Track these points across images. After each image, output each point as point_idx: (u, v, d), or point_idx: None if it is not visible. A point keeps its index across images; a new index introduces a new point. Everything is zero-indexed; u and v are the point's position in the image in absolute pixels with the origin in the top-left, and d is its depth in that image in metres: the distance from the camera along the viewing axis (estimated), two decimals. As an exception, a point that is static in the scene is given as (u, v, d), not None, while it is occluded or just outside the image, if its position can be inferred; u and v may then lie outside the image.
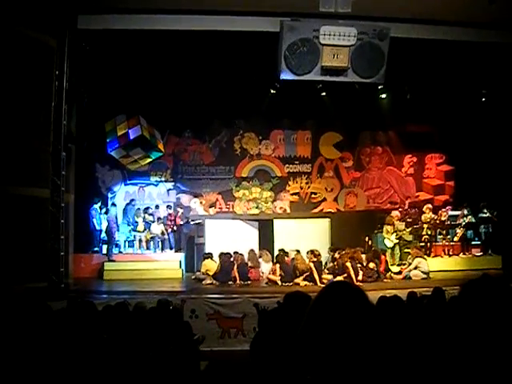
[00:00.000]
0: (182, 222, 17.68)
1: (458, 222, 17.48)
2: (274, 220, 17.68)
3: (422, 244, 16.76)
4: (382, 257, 15.60)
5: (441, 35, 13.93)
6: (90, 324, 5.77)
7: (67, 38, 13.19)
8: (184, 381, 4.74)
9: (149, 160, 17.02)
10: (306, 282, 13.96)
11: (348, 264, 14.22)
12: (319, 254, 14.49)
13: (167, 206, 18.55)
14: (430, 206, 18.01)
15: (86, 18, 13.34)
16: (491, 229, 17.14)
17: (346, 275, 14.02)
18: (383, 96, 17.90)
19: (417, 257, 15.15)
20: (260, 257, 15.60)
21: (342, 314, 2.00)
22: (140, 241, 17.29)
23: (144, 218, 17.54)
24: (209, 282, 14.46)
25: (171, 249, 17.41)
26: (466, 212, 17.31)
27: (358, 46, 12.74)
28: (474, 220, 17.22)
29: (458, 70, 15.69)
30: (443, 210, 18.12)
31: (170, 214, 18.03)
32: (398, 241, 16.67)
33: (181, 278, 16.09)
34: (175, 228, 17.47)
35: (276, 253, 15.52)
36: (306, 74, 12.98)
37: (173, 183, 19.86)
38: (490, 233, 17.17)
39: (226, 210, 19.61)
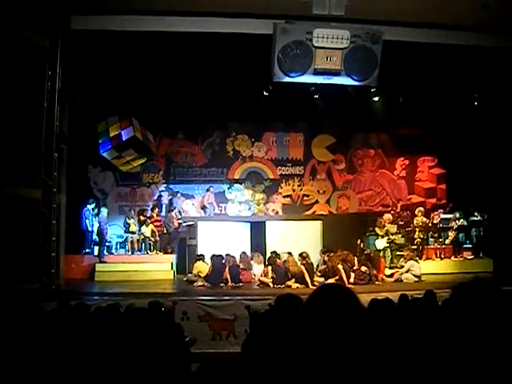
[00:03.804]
0: (179, 224, 17.67)
1: (449, 225, 17.51)
2: (266, 222, 17.63)
3: (414, 247, 16.75)
4: (382, 260, 15.65)
5: (434, 39, 13.99)
6: (81, 325, 5.75)
7: (60, 38, 13.18)
8: (175, 383, 4.73)
9: (141, 161, 16.98)
10: (297, 285, 13.96)
11: (340, 266, 14.24)
12: (307, 256, 14.48)
13: (158, 208, 18.51)
14: (421, 208, 18.05)
15: (79, 19, 13.35)
16: (482, 232, 17.18)
17: (337, 278, 14.03)
18: (376, 99, 17.98)
19: (409, 259, 15.15)
20: (251, 259, 15.57)
21: (333, 317, 2.00)
22: (132, 242, 17.24)
23: (139, 219, 17.48)
24: (200, 283, 14.42)
25: (164, 252, 17.33)
26: (457, 215, 17.34)
27: (351, 48, 12.78)
28: (465, 223, 17.26)
29: (451, 74, 15.76)
30: (435, 212, 18.15)
31: (160, 216, 18.03)
32: (388, 244, 16.69)
33: (172, 279, 16.04)
34: (171, 230, 17.42)
35: (268, 255, 15.51)
36: (299, 77, 13.01)
37: (165, 185, 19.84)
38: (482, 236, 17.21)
39: (218, 211, 19.59)
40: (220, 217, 19.11)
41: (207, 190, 19.37)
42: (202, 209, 19.08)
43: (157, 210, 18.18)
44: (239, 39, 13.49)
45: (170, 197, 19.28)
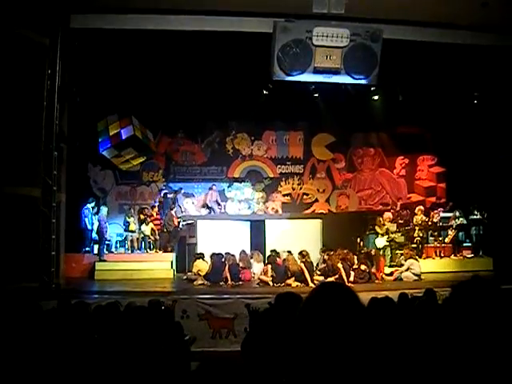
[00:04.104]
0: (179, 223, 17.68)
1: (449, 224, 17.50)
2: (266, 221, 17.65)
3: (414, 245, 16.76)
4: (381, 258, 15.67)
5: (433, 37, 13.99)
6: (81, 324, 5.75)
7: (60, 36, 13.17)
8: (175, 381, 4.73)
9: (141, 160, 16.98)
10: (297, 283, 13.96)
11: (339, 265, 14.23)
12: (307, 255, 14.47)
13: (158, 206, 18.52)
14: (421, 207, 18.06)
15: (79, 17, 13.34)
16: (482, 231, 17.18)
17: (337, 276, 14.03)
18: (375, 97, 17.96)
19: (409, 258, 15.16)
20: (251, 257, 15.57)
21: (333, 315, 2.00)
22: (131, 241, 17.24)
23: (139, 217, 17.48)
24: (200, 282, 14.43)
25: (164, 250, 17.32)
26: (457, 214, 17.34)
27: (350, 47, 12.76)
28: (465, 222, 17.25)
29: (451, 73, 15.74)
30: (435, 211, 18.15)
31: (160, 214, 18.05)
32: (388, 242, 16.70)
33: (172, 278, 16.04)
34: (171, 229, 17.42)
35: (268, 253, 15.51)
36: (298, 75, 13.00)
37: (165, 183, 19.83)
38: (481, 235, 17.21)
39: (218, 210, 19.58)
40: (220, 215, 19.09)
41: (210, 189, 19.38)
42: (207, 208, 19.05)
43: (156, 208, 18.23)
44: (239, 38, 13.48)
45: (171, 195, 19.22)
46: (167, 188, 19.70)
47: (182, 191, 19.43)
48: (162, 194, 19.22)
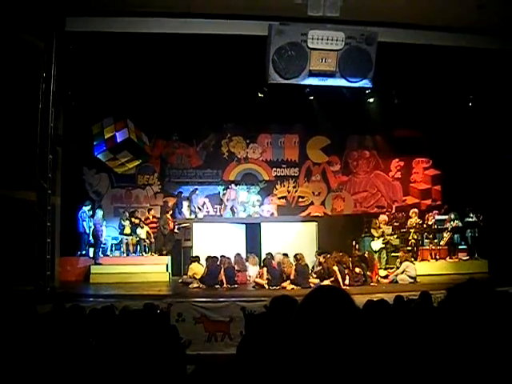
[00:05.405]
0: (174, 226, 17.70)
1: (444, 226, 17.51)
2: (262, 224, 17.65)
3: (409, 248, 16.77)
4: (375, 261, 15.66)
5: (429, 40, 14.00)
6: (76, 328, 5.73)
7: (55, 40, 13.13)
8: (170, 385, 4.73)
9: (136, 163, 16.97)
10: (292, 286, 13.96)
11: (335, 268, 14.24)
12: (301, 258, 14.49)
13: (174, 206, 18.61)
14: (416, 210, 18.07)
15: (74, 21, 13.30)
16: (477, 233, 17.20)
17: (333, 279, 14.04)
18: (371, 100, 17.96)
19: (405, 261, 15.15)
20: (247, 260, 15.58)
21: (328, 318, 2.00)
22: (127, 244, 17.21)
23: (131, 221, 17.45)
24: (196, 285, 14.42)
25: (159, 254, 17.31)
26: (452, 216, 17.35)
27: (345, 50, 12.79)
28: (460, 224, 17.27)
29: (446, 75, 15.78)
30: (430, 214, 18.17)
31: (156, 218, 18.04)
32: (383, 245, 16.71)
33: (168, 281, 16.04)
34: (166, 232, 17.42)
35: (263, 256, 15.51)
36: (293, 78, 13.01)
37: (160, 186, 19.82)
38: (476, 237, 17.23)
39: (214, 213, 19.59)
40: (215, 218, 19.09)
41: (227, 188, 19.48)
42: (224, 206, 19.19)
43: (153, 211, 18.27)
44: (234, 41, 13.47)
45: (179, 199, 19.20)
46: (163, 189, 19.72)
47: (197, 191, 19.40)
48: (176, 193, 19.30)
